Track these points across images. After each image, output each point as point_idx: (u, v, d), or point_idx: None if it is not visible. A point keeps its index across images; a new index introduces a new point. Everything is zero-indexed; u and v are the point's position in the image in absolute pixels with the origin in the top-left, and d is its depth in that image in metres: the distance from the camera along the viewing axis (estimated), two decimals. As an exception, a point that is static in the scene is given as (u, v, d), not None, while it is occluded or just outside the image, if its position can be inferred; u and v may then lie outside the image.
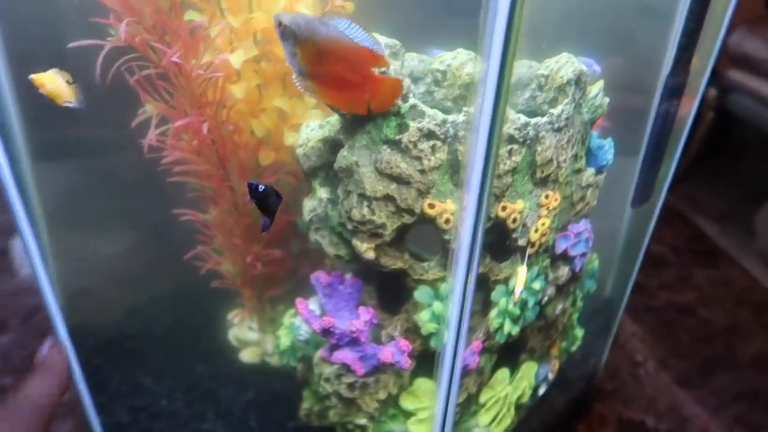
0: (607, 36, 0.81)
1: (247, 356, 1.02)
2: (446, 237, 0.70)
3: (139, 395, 0.95)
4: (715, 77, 1.92)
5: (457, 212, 0.69)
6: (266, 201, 0.62)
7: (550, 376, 0.97)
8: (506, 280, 0.74)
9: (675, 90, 0.78)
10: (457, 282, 0.58)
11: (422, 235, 0.79)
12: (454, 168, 0.69)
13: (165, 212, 0.92)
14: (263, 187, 0.61)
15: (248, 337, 1.02)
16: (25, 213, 0.66)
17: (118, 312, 1.10)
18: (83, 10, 0.71)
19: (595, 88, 0.72)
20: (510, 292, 0.73)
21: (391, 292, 0.84)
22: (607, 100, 0.73)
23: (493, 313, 0.74)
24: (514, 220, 0.68)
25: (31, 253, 0.69)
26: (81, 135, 0.96)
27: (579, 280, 0.87)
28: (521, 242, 0.70)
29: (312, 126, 0.75)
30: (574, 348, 1.03)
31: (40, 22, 0.79)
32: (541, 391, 0.96)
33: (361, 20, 0.83)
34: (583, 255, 0.81)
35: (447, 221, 0.69)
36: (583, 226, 0.78)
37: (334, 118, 0.73)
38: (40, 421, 0.41)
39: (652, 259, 1.93)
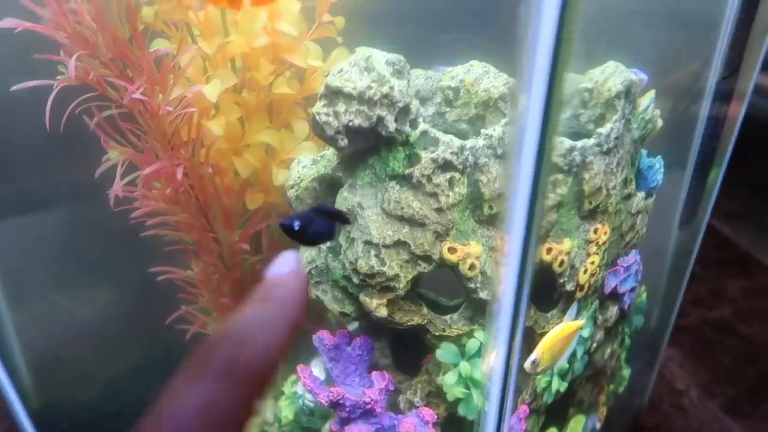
0: (644, 43, 0.70)
1: (246, 427, 0.89)
2: (471, 285, 0.58)
3: (124, 484, 0.82)
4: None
5: (483, 255, 0.57)
6: (306, 235, 0.52)
7: (598, 425, 0.84)
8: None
9: (724, 97, 0.68)
10: (500, 346, 0.46)
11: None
12: (475, 203, 0.58)
13: (142, 269, 0.80)
14: (298, 224, 0.50)
15: (247, 404, 0.89)
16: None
17: (95, 386, 0.97)
18: (25, 47, 0.60)
19: (645, 100, 0.61)
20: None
21: (407, 347, 0.72)
22: (658, 112, 0.62)
23: (539, 372, 0.62)
24: (561, 263, 0.56)
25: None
26: (42, 187, 0.86)
27: (628, 318, 0.75)
28: (569, 287, 0.58)
29: (304, 162, 0.64)
30: (621, 389, 0.91)
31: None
32: (588, 445, 0.83)
33: (353, 37, 0.73)
34: (632, 290, 0.69)
35: (471, 267, 0.57)
36: (633, 258, 0.66)
37: (330, 152, 0.62)
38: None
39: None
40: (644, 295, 0.80)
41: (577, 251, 0.57)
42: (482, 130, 0.57)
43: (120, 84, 0.63)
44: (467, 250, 0.57)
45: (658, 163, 0.65)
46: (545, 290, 0.60)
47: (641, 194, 0.64)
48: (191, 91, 0.65)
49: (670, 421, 1.28)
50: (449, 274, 0.60)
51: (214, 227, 0.75)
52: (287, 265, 0.31)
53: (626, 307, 0.69)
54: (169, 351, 0.96)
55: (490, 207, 0.57)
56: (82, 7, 0.60)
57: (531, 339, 0.62)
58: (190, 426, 0.22)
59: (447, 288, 0.65)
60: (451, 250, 0.57)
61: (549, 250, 0.55)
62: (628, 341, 0.81)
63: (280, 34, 0.69)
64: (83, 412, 0.93)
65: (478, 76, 0.59)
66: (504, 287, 0.40)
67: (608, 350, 0.71)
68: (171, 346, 0.84)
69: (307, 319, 0.81)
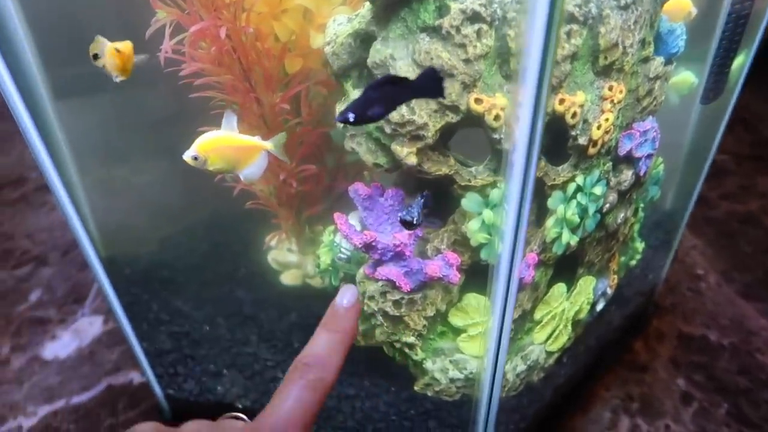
0: None
1: (287, 279, 0.98)
2: (495, 136, 0.63)
3: (179, 322, 0.93)
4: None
5: (508, 108, 0.61)
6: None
7: (609, 291, 0.91)
8: (564, 186, 0.66)
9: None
10: (513, 187, 0.50)
11: (467, 143, 0.72)
12: (503, 57, 0.60)
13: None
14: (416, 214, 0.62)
15: (288, 260, 0.99)
16: (46, 151, 0.62)
17: (153, 242, 1.07)
18: None
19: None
20: (568, 199, 0.66)
21: (436, 202, 0.77)
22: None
23: (550, 221, 0.67)
24: (574, 115, 0.59)
25: (56, 189, 0.66)
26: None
27: (643, 185, 0.78)
28: (582, 141, 0.61)
29: (340, 20, 0.67)
30: (633, 262, 0.96)
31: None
32: (600, 306, 0.90)
33: None
34: (649, 157, 0.72)
35: (497, 118, 0.61)
36: (650, 124, 0.69)
37: (365, 10, 0.65)
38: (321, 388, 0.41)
39: (711, 168, 1.80)
40: (661, 167, 0.82)
41: (591, 106, 0.60)
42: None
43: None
44: (493, 102, 0.60)
45: (680, 28, 0.65)
46: (556, 145, 0.64)
47: (660, 59, 0.66)
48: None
49: (686, 302, 1.34)
50: (481, 139, 0.64)
51: (256, 89, 0.80)
52: (348, 297, 0.46)
53: (642, 173, 0.72)
54: (220, 210, 1.04)
55: (517, 61, 0.60)
56: None
57: (541, 190, 0.67)
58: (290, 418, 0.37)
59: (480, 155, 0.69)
60: (478, 100, 0.61)
61: (562, 101, 0.58)
62: (641, 213, 0.85)
63: None
64: (142, 263, 1.04)
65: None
66: (518, 137, 0.44)
67: (621, 215, 0.76)
68: (222, 206, 0.91)
69: (346, 178, 0.87)
